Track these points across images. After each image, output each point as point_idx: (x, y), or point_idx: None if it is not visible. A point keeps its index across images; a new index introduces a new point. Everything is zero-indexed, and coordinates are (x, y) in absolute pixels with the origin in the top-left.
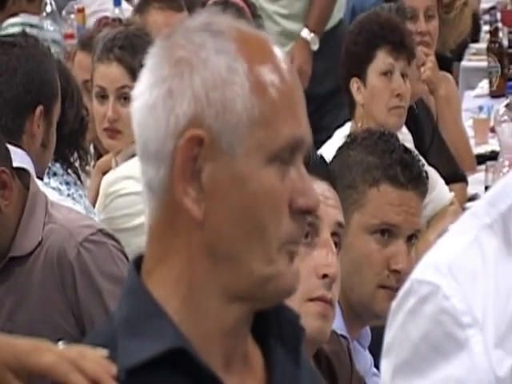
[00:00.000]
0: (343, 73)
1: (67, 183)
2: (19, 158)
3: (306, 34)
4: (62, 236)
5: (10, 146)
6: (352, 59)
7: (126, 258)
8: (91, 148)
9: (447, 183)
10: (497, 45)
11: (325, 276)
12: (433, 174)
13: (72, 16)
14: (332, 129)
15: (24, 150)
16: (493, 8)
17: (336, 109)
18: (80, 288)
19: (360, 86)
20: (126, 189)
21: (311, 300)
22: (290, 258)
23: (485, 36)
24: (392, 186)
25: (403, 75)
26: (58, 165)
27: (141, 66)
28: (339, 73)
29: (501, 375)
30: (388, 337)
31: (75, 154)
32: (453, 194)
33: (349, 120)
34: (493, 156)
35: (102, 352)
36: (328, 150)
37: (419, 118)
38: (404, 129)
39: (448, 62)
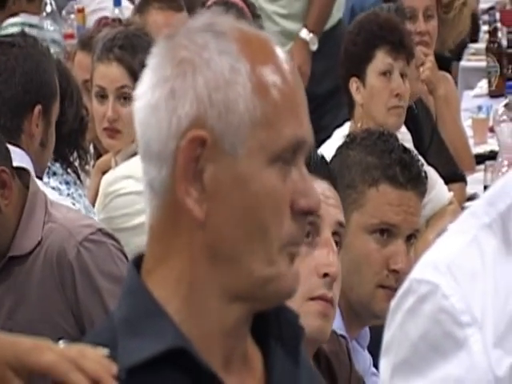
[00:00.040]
0: (342, 73)
1: (67, 183)
2: (19, 157)
3: (304, 34)
4: (61, 235)
5: (9, 146)
6: (351, 59)
7: (126, 257)
8: (91, 148)
9: (446, 183)
10: (496, 45)
11: (326, 275)
12: (432, 174)
13: (72, 16)
14: (331, 128)
15: (23, 150)
16: (492, 8)
17: (335, 109)
18: (80, 287)
19: (359, 85)
20: (125, 188)
21: (312, 299)
22: (291, 260)
23: (484, 36)
24: (391, 185)
25: (402, 75)
26: (57, 164)
27: (141, 65)
28: (338, 73)
29: (500, 375)
30: (387, 336)
31: (75, 154)
32: (452, 193)
33: (348, 120)
34: (492, 156)
35: (103, 351)
36: (327, 150)
37: (418, 118)
38: (403, 128)
39: (447, 61)
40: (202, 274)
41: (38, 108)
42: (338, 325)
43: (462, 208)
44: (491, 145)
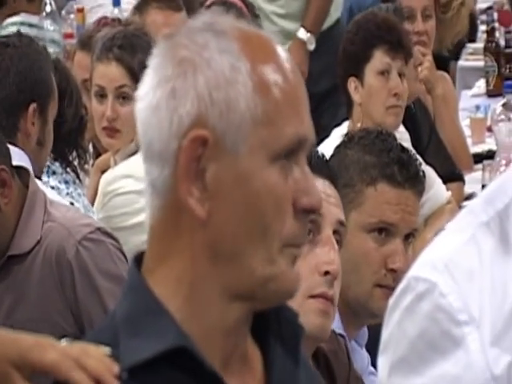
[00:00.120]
0: (341, 72)
1: (66, 182)
2: (18, 156)
3: (302, 34)
4: (60, 234)
5: (9, 145)
6: (349, 59)
7: (125, 256)
8: (90, 147)
9: (444, 182)
10: (493, 44)
11: (326, 273)
12: (430, 173)
13: (71, 16)
14: (329, 128)
15: (20, 149)
16: (489, 8)
17: (333, 108)
18: (79, 286)
19: (357, 85)
20: (124, 187)
21: (313, 297)
22: (292, 261)
23: (482, 36)
24: (389, 184)
25: (400, 75)
26: (57, 164)
27: (140, 65)
28: (336, 72)
29: (497, 373)
30: (385, 334)
31: (74, 153)
32: (450, 192)
33: (346, 119)
34: (490, 155)
35: (105, 350)
36: (326, 149)
37: (416, 118)
38: (401, 128)
39: (445, 61)
40: (203, 273)
41: (32, 106)
42: (336, 324)
43: (460, 207)
44: (489, 144)
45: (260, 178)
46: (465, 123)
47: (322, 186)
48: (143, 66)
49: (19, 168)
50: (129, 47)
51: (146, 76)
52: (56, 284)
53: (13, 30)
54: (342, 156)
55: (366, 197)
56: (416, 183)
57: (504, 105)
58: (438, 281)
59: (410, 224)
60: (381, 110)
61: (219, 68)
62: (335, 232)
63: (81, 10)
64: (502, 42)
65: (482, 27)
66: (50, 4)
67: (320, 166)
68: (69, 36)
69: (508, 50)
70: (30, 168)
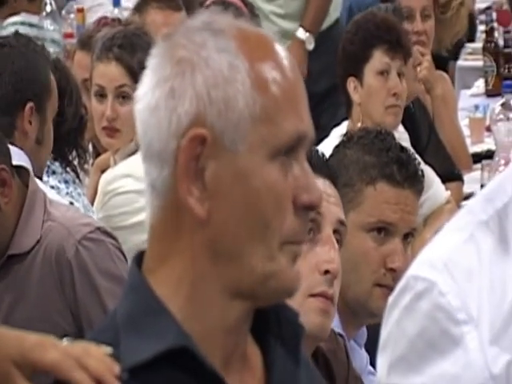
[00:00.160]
0: (340, 72)
1: (66, 181)
2: (18, 156)
3: (301, 33)
4: (60, 234)
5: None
6: (349, 59)
7: (124, 256)
8: (90, 146)
9: (443, 182)
10: (492, 44)
11: (326, 272)
12: (429, 173)
13: (72, 16)
14: (329, 127)
15: (18, 147)
16: (488, 8)
17: (332, 108)
18: (78, 286)
19: (357, 85)
20: (124, 187)
21: (313, 296)
22: (293, 259)
23: (480, 36)
24: (388, 184)
25: (399, 74)
26: (56, 163)
27: (140, 65)
28: (336, 72)
29: (496, 372)
30: (384, 333)
31: (74, 153)
32: (449, 192)
33: (346, 119)
34: (489, 155)
35: (106, 350)
36: (325, 149)
37: (415, 117)
38: (400, 128)
39: (444, 61)
40: (204, 272)
41: (29, 105)
42: (335, 323)
43: (459, 207)
44: (488, 144)
45: (260, 176)
46: (464, 123)
47: (322, 185)
48: (143, 66)
49: (19, 167)
50: (129, 47)
51: (144, 76)
52: (56, 283)
53: (13, 30)
54: (341, 156)
55: (365, 196)
56: (415, 182)
57: (503, 104)
58: (437, 280)
59: (409, 223)
60: (380, 109)
61: (217, 67)
62: (335, 231)
63: (81, 10)
64: (501, 42)
65: (481, 27)
66: (50, 4)
67: (320, 166)
68: (69, 36)
69: (507, 50)
70: (30, 167)
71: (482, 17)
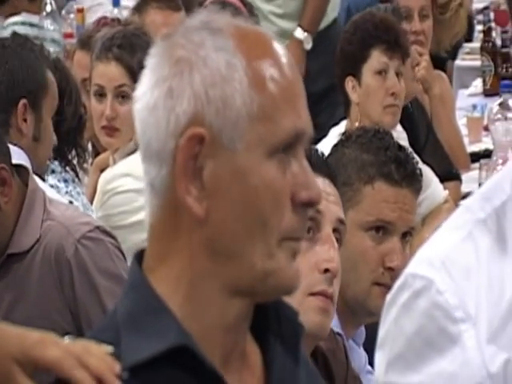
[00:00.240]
0: (338, 72)
1: (65, 181)
2: (17, 155)
3: (299, 33)
4: (59, 233)
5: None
6: (347, 58)
7: (123, 255)
8: (89, 146)
9: (441, 181)
10: (490, 44)
11: (326, 271)
12: (427, 172)
13: (71, 16)
14: (327, 127)
15: (13, 145)
16: (486, 8)
17: (330, 107)
18: (77, 285)
19: (355, 84)
20: (123, 186)
21: (312, 294)
22: (292, 256)
23: (478, 35)
24: (387, 183)
25: (398, 74)
26: (56, 162)
27: (139, 64)
28: (334, 72)
29: (493, 371)
30: (382, 331)
31: (73, 152)
32: (447, 192)
33: (344, 118)
34: (486, 154)
35: (107, 348)
36: (323, 148)
37: (413, 117)
38: (399, 127)
39: (442, 61)
40: (203, 271)
41: (22, 102)
42: (334, 323)
43: (457, 206)
44: (486, 143)
45: (258, 174)
46: (462, 122)
47: (321, 184)
48: (142, 66)
49: (19, 166)
50: (128, 47)
51: (143, 76)
52: (55, 282)
53: (14, 29)
54: (339, 155)
55: (363, 195)
56: (413, 181)
57: (501, 104)
58: (435, 278)
59: (408, 222)
60: (378, 109)
61: (215, 66)
62: (335, 230)
63: (81, 10)
64: (499, 42)
65: (479, 27)
66: (51, 4)
67: (320, 165)
68: (69, 35)
69: (504, 50)
70: (30, 166)
71: (480, 17)
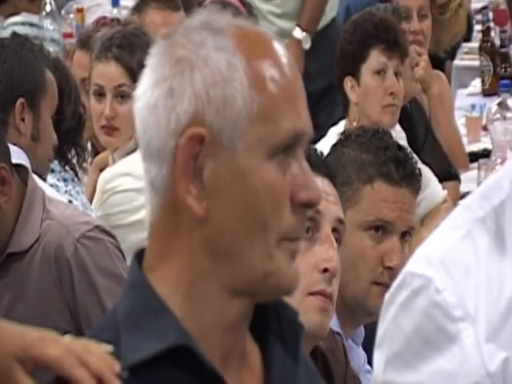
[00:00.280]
0: (337, 71)
1: (65, 180)
2: (17, 155)
3: (297, 33)
4: (59, 232)
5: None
6: (346, 58)
7: (123, 254)
8: (88, 145)
9: (440, 181)
10: (489, 44)
11: (325, 270)
12: (426, 172)
13: (71, 15)
14: (326, 127)
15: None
16: (485, 8)
17: (329, 107)
18: (77, 284)
19: (354, 84)
20: (122, 185)
21: (312, 294)
22: (291, 256)
23: (477, 35)
24: (386, 183)
25: (396, 74)
26: (55, 162)
27: (139, 64)
28: (333, 71)
29: (492, 370)
30: (381, 329)
31: (73, 151)
32: (446, 191)
33: (343, 118)
34: (485, 154)
35: (107, 347)
36: (322, 148)
37: (412, 117)
38: (397, 127)
39: (441, 60)
40: (202, 270)
41: (19, 101)
42: (333, 322)
43: (456, 206)
44: (485, 143)
45: (258, 174)
46: (460, 122)
47: (321, 184)
48: (142, 66)
49: (18, 166)
50: (127, 47)
51: (144, 75)
52: (54, 282)
53: (14, 29)
54: (338, 154)
55: (362, 195)
56: (412, 181)
57: (499, 104)
58: (434, 277)
59: (407, 222)
60: (377, 109)
61: (216, 66)
62: (334, 230)
63: (80, 10)
64: (498, 42)
65: (478, 27)
66: (50, 3)
67: (319, 164)
68: (68, 35)
69: (503, 50)
70: (29, 166)
71: (479, 16)
